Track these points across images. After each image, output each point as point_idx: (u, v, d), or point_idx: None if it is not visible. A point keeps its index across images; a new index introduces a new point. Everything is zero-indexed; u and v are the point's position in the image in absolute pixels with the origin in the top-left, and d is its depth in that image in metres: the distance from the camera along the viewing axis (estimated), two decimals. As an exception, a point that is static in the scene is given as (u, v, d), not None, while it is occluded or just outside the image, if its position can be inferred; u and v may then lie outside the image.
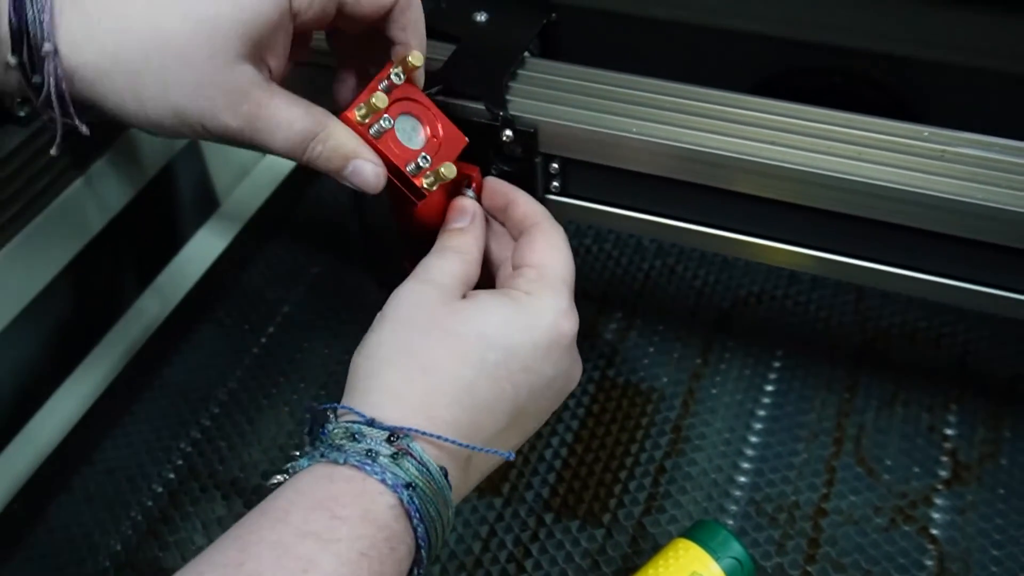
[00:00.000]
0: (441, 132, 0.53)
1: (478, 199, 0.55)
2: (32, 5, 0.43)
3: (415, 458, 0.44)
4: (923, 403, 0.74)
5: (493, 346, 0.47)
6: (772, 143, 0.54)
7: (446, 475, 0.44)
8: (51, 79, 0.45)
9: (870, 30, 0.93)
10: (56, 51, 0.44)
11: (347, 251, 0.88)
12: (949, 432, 0.73)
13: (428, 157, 0.52)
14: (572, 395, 0.74)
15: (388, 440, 0.44)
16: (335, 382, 0.78)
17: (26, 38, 0.44)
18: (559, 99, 0.57)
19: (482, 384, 0.47)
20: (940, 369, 0.77)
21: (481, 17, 0.62)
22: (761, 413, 0.74)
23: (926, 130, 0.55)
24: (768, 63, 1.00)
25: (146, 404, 0.77)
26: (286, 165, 0.94)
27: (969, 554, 0.66)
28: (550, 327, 0.49)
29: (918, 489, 0.70)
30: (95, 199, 0.77)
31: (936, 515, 0.68)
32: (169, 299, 0.85)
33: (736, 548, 0.61)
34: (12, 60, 0.44)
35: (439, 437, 0.45)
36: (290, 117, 0.48)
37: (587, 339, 0.80)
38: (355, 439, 0.44)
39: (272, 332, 0.82)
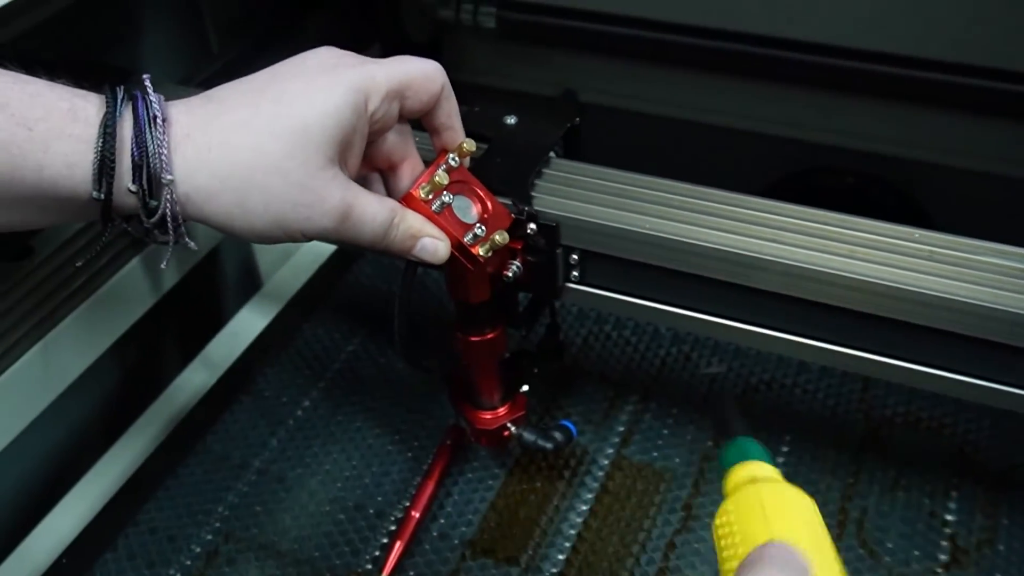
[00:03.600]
0: (490, 208, 0.59)
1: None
2: (152, 141, 0.49)
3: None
4: (924, 489, 0.78)
5: None
6: (773, 241, 0.59)
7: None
8: (167, 204, 0.50)
9: (881, 135, 0.98)
10: (173, 180, 0.50)
11: (380, 331, 0.93)
12: (949, 517, 0.76)
13: (483, 227, 0.57)
14: (589, 472, 0.79)
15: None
16: (367, 455, 0.82)
17: (146, 169, 0.49)
18: (580, 196, 0.63)
19: None
20: (941, 457, 0.80)
21: (511, 120, 0.68)
22: (768, 495, 0.78)
23: (917, 232, 0.59)
24: (783, 163, 1.06)
25: (189, 469, 0.82)
26: (327, 249, 1.00)
27: (965, 635, 0.69)
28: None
29: (918, 572, 0.73)
30: (148, 278, 0.82)
31: (934, 597, 0.71)
32: (212, 372, 0.90)
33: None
34: (133, 188, 0.50)
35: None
36: (373, 211, 0.54)
37: (605, 419, 0.84)
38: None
39: (308, 405, 0.87)
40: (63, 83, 0.51)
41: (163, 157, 0.49)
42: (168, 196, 0.50)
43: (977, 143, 0.94)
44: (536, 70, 1.09)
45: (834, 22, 0.84)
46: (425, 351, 0.69)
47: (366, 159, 0.57)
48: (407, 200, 0.57)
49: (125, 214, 0.52)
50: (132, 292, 0.81)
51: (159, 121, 0.50)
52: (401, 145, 0.58)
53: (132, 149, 0.49)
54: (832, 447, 0.81)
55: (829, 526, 0.74)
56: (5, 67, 0.50)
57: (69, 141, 0.48)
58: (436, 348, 0.73)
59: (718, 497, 0.77)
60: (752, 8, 0.86)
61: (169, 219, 0.51)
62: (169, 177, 0.50)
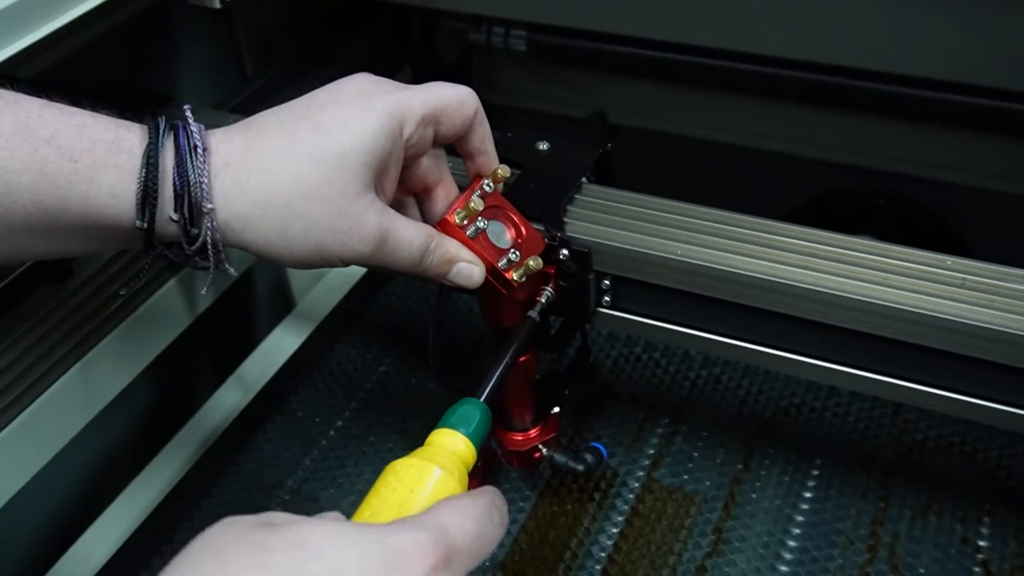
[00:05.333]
0: (524, 233, 0.60)
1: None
2: (193, 170, 0.50)
3: None
4: (956, 515, 0.78)
5: None
6: (805, 268, 0.59)
7: None
8: (208, 231, 0.51)
9: (915, 156, 0.98)
10: (213, 208, 0.51)
11: (412, 352, 0.94)
12: (981, 543, 0.76)
13: (517, 252, 0.58)
14: (619, 494, 0.79)
15: None
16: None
17: (187, 198, 0.50)
18: (612, 222, 0.63)
19: None
20: (973, 482, 0.80)
21: (543, 146, 0.68)
22: (799, 518, 0.78)
23: (949, 259, 0.59)
24: (814, 184, 1.06)
25: (222, 489, 0.83)
26: (358, 269, 1.01)
27: (998, 662, 0.69)
28: None
29: (950, 598, 0.73)
30: (184, 299, 0.83)
31: (967, 624, 0.71)
32: (246, 392, 0.91)
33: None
34: (175, 216, 0.51)
35: None
36: (410, 237, 0.55)
37: (636, 442, 0.84)
38: None
39: (340, 425, 0.88)
40: (107, 113, 0.52)
41: (204, 186, 0.50)
42: (209, 224, 0.51)
43: (1015, 166, 0.94)
44: (566, 92, 1.09)
45: (866, 46, 0.84)
46: (457, 372, 0.69)
47: (401, 183, 0.58)
48: (442, 225, 0.58)
49: (167, 242, 0.53)
50: (168, 313, 0.82)
51: (200, 150, 0.51)
52: (435, 170, 0.59)
53: (174, 178, 0.50)
54: (863, 471, 0.81)
55: (860, 552, 0.75)
56: (52, 99, 0.51)
57: (114, 172, 0.50)
58: (468, 369, 0.73)
59: (749, 520, 0.78)
60: (782, 32, 0.86)
61: (210, 246, 0.52)
62: (210, 205, 0.51)
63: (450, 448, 0.51)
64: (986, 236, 1.00)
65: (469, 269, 0.58)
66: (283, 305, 1.01)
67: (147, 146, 0.50)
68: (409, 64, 1.09)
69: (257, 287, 1.00)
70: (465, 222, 0.58)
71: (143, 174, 0.50)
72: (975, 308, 0.56)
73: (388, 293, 1.01)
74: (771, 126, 1.03)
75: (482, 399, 0.56)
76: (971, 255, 0.99)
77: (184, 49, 0.89)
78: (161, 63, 0.88)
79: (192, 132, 0.51)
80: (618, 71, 1.04)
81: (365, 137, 0.52)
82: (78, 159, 0.49)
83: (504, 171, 0.59)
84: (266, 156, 0.52)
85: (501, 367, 0.60)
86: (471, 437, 0.52)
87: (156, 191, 0.50)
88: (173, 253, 0.54)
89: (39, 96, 0.51)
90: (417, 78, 1.10)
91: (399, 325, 0.98)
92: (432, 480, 0.47)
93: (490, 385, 0.58)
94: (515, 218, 0.60)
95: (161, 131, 0.51)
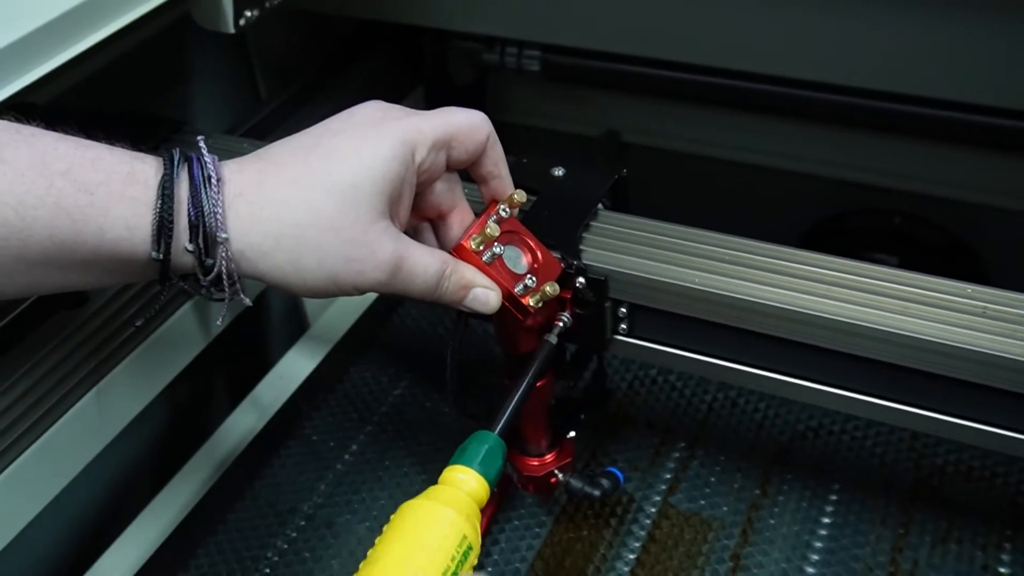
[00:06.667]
0: (540, 258, 0.59)
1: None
2: (207, 200, 0.50)
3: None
4: (976, 541, 0.77)
5: None
6: (823, 296, 0.59)
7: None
8: (222, 262, 0.51)
9: (933, 176, 0.98)
10: (228, 238, 0.51)
11: (427, 375, 0.94)
12: (1003, 570, 0.75)
13: (534, 278, 0.58)
14: (635, 520, 0.79)
15: None
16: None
17: (202, 228, 0.50)
18: (628, 250, 0.63)
19: None
20: (994, 508, 0.79)
21: (559, 172, 0.68)
22: (817, 544, 0.77)
23: (969, 287, 0.59)
24: (829, 203, 1.06)
25: (237, 515, 0.82)
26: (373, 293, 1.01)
27: None
28: None
29: (971, 626, 0.72)
30: (198, 323, 0.83)
31: (988, 653, 0.70)
32: (260, 415, 0.91)
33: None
34: (190, 247, 0.51)
35: None
36: (424, 263, 0.54)
37: (652, 467, 0.84)
38: None
39: (355, 449, 0.88)
40: (121, 145, 0.52)
41: (218, 216, 0.50)
42: (223, 254, 0.51)
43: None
44: (579, 111, 1.09)
45: (882, 67, 0.84)
46: (473, 397, 0.69)
47: (416, 209, 0.58)
48: (458, 251, 0.57)
49: (182, 273, 0.53)
50: (183, 337, 0.82)
51: (214, 181, 0.51)
52: (449, 195, 0.59)
53: (188, 209, 0.50)
54: (881, 496, 0.80)
55: (880, 580, 0.74)
56: (66, 131, 0.51)
57: (129, 204, 0.50)
58: (484, 394, 0.73)
59: (767, 547, 0.77)
60: (796, 53, 0.86)
61: (225, 277, 0.52)
62: (224, 235, 0.51)
63: (463, 488, 0.51)
64: (1005, 256, 0.99)
65: (485, 295, 0.57)
66: (298, 327, 1.01)
67: (162, 177, 0.50)
68: (422, 85, 1.09)
69: (271, 309, 1.00)
70: (481, 248, 0.57)
71: (159, 205, 0.50)
72: (996, 338, 0.56)
73: (403, 315, 1.00)
74: (785, 145, 1.02)
75: (496, 431, 0.55)
76: (989, 275, 0.99)
77: (198, 73, 0.89)
78: (175, 87, 0.88)
79: (206, 163, 0.51)
80: (631, 90, 1.04)
81: (377, 164, 0.52)
82: (94, 192, 0.49)
83: (520, 196, 0.59)
84: (279, 187, 0.52)
85: (518, 396, 0.59)
86: (484, 474, 0.52)
87: (172, 222, 0.50)
88: (188, 285, 0.54)
89: (54, 127, 0.51)
90: (430, 99, 1.10)
91: (414, 347, 0.98)
92: (444, 523, 0.48)
93: (505, 416, 0.57)
94: (531, 243, 0.60)
95: (176, 162, 0.51)
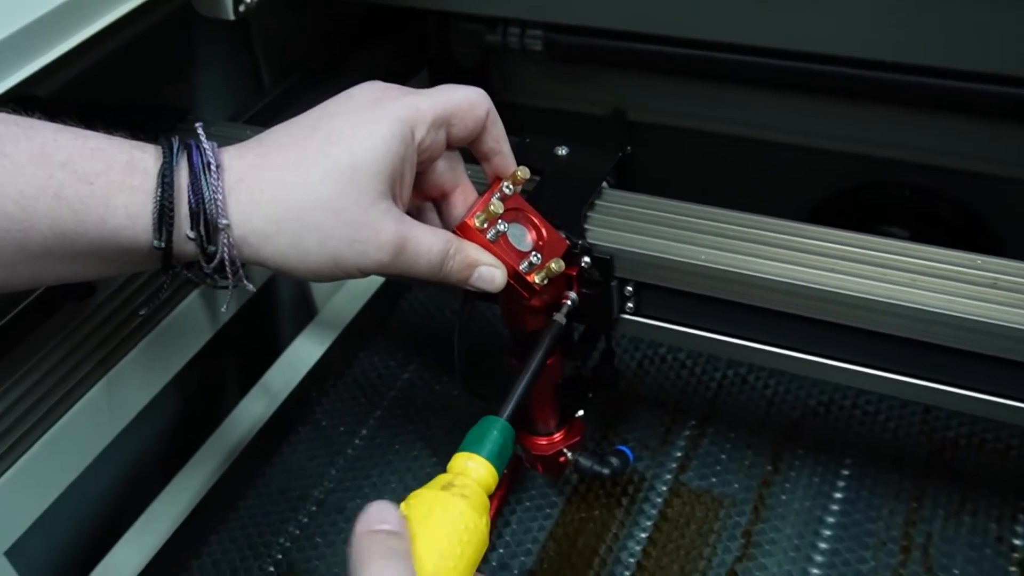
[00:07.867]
0: (545, 235, 0.59)
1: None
2: (207, 187, 0.50)
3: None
4: (990, 513, 0.76)
5: None
6: (831, 271, 0.58)
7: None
8: (225, 248, 0.51)
9: (940, 147, 0.97)
10: (229, 224, 0.50)
11: (436, 359, 0.94)
12: (1017, 542, 0.75)
13: (539, 255, 0.57)
14: (647, 499, 0.78)
15: None
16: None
17: (203, 215, 0.50)
18: (634, 228, 0.63)
19: None
20: (1007, 480, 0.79)
21: (562, 151, 0.67)
22: (830, 520, 0.77)
23: (979, 258, 0.58)
24: (838, 177, 1.05)
25: (248, 501, 0.83)
26: (379, 277, 1.01)
27: (1037, 664, 0.68)
28: None
29: (986, 598, 0.72)
30: (206, 311, 0.83)
31: (1004, 625, 0.70)
32: (270, 402, 0.91)
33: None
34: (191, 234, 0.51)
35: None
36: (428, 243, 0.54)
37: (662, 445, 0.84)
38: None
39: (365, 434, 0.88)
40: (122, 134, 0.52)
41: (218, 202, 0.50)
42: (225, 240, 0.51)
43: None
44: (584, 90, 1.08)
45: (891, 39, 0.83)
46: (482, 378, 0.69)
47: (418, 189, 0.57)
48: (462, 229, 0.57)
49: (185, 261, 0.53)
50: (191, 325, 0.82)
51: (213, 167, 0.50)
52: (451, 173, 0.59)
53: (189, 196, 0.50)
54: (894, 471, 0.80)
55: (893, 553, 0.74)
56: (66, 123, 0.51)
57: (129, 193, 0.49)
58: (493, 374, 0.73)
59: (779, 523, 0.77)
60: (804, 27, 0.85)
61: (227, 263, 0.52)
62: (225, 221, 0.50)
63: (472, 476, 0.51)
64: (1020, 228, 0.98)
65: (491, 273, 0.57)
66: (305, 313, 1.01)
67: (161, 165, 0.50)
68: (426, 69, 1.09)
69: (279, 296, 1.00)
70: (485, 225, 0.57)
71: (159, 193, 0.50)
72: (1007, 309, 0.55)
73: (411, 299, 1.00)
74: (793, 119, 1.01)
75: (505, 416, 0.55)
76: (1004, 247, 0.98)
77: (200, 61, 0.89)
78: (178, 76, 0.87)
79: (205, 149, 0.51)
80: (636, 68, 1.03)
81: (376, 144, 0.52)
82: (93, 182, 0.49)
83: (524, 173, 0.59)
84: (278, 170, 0.51)
85: (526, 380, 0.59)
86: (492, 460, 0.52)
87: (172, 210, 0.50)
88: (192, 273, 0.54)
89: (54, 119, 0.51)
90: (434, 82, 1.08)
91: (422, 331, 0.97)
92: (453, 514, 0.48)
93: (514, 401, 0.57)
94: (536, 220, 0.60)
95: (175, 150, 0.51)
